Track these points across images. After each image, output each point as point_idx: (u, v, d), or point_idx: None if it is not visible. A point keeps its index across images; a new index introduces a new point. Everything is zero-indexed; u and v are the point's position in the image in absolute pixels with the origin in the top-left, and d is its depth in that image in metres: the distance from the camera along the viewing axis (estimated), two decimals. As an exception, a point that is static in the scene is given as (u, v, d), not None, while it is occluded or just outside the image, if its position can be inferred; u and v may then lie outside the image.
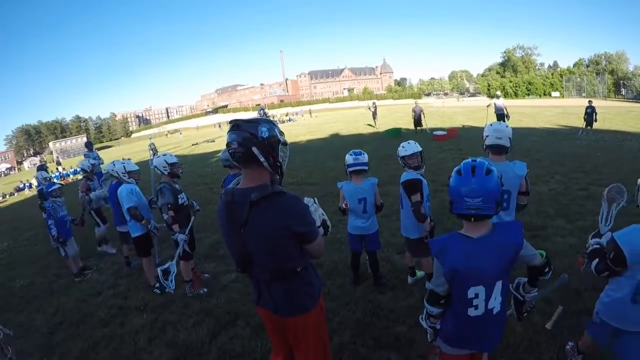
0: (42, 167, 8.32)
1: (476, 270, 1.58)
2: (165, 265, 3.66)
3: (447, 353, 1.82)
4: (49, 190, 5.24)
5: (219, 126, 51.71)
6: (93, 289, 4.73)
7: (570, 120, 17.02)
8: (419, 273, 3.83)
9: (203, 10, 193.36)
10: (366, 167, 3.57)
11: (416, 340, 2.91)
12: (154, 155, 21.57)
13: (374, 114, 21.18)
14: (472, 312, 1.64)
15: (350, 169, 3.56)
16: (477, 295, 1.61)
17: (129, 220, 4.36)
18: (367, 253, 3.82)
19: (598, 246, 2.15)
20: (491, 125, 2.89)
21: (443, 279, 1.65)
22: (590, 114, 13.56)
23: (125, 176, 4.46)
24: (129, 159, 5.37)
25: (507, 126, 2.86)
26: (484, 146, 2.90)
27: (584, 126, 13.62)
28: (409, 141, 3.49)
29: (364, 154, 3.58)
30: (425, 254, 3.50)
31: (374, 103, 22.35)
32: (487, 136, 2.84)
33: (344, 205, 3.63)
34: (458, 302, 1.67)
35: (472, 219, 1.59)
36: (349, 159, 3.56)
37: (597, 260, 2.04)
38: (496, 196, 1.56)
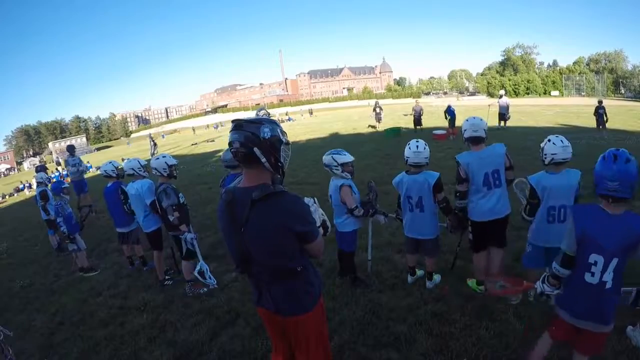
0: (42, 168, 8.27)
1: (600, 240, 1.83)
2: (198, 268, 3.66)
3: (561, 317, 2.04)
4: (61, 187, 5.29)
5: (194, 131, 52.75)
6: (93, 289, 4.73)
7: (570, 119, 17.03)
8: (419, 272, 3.84)
9: (202, 10, 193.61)
10: (326, 169, 3.69)
11: (416, 339, 2.92)
12: (154, 146, 21.12)
13: (378, 116, 19.65)
14: (588, 277, 1.87)
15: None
16: (595, 263, 1.84)
17: (146, 215, 4.38)
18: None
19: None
20: (467, 120, 3.30)
21: (574, 239, 1.90)
22: (601, 114, 13.28)
23: (141, 170, 4.47)
24: (128, 159, 5.36)
25: (481, 119, 3.27)
26: (464, 139, 3.28)
27: (598, 127, 13.27)
28: (418, 140, 3.48)
29: (333, 154, 3.65)
30: (437, 254, 3.65)
31: (377, 103, 20.83)
32: (465, 130, 3.24)
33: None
34: (579, 265, 1.91)
35: (610, 199, 1.82)
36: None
37: (524, 206, 3.04)
38: (632, 182, 1.77)
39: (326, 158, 3.66)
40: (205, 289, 4.13)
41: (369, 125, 21.31)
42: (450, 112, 13.87)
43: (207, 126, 58.47)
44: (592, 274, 1.86)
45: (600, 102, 13.99)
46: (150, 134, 27.09)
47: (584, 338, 2.01)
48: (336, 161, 3.61)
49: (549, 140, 2.93)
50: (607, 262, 1.83)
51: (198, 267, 3.66)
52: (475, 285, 3.51)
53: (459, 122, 14.75)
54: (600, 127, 13.29)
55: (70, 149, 10.17)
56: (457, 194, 3.31)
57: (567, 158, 2.86)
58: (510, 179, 3.27)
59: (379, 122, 19.64)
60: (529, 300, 3.20)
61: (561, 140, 2.88)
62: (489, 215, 3.22)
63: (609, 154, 1.85)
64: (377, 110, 19.72)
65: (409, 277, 3.82)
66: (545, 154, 2.91)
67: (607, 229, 1.82)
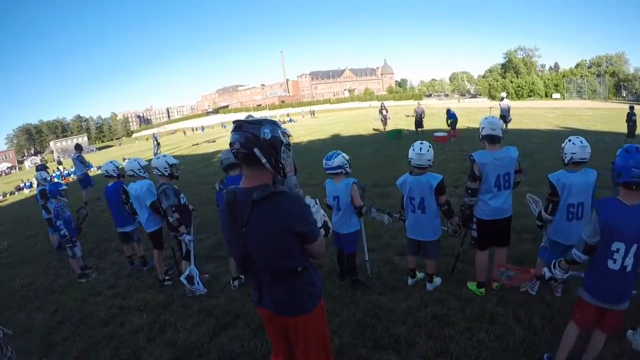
0: (42, 167, 8.28)
1: (621, 228, 2.02)
2: (186, 273, 3.67)
3: (587, 301, 2.26)
4: (59, 189, 5.16)
5: (184, 133, 53.85)
6: (93, 289, 4.73)
7: (571, 122, 17.05)
8: (419, 275, 3.83)
9: (204, 11, 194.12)
10: (339, 170, 3.68)
11: (416, 341, 2.91)
12: (157, 146, 21.28)
13: (385, 118, 18.73)
14: (610, 264, 2.08)
15: (326, 172, 3.77)
16: (617, 250, 2.05)
17: (148, 216, 4.40)
18: (344, 253, 3.87)
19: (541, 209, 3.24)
20: (486, 118, 3.36)
21: (598, 229, 2.07)
22: (635, 120, 12.07)
23: (141, 172, 4.49)
24: (129, 160, 5.38)
25: (499, 119, 3.38)
26: (480, 136, 3.33)
27: (632, 135, 11.94)
28: (422, 142, 3.49)
29: (335, 157, 3.69)
30: (438, 256, 3.67)
31: (382, 105, 19.80)
32: (483, 127, 3.29)
33: (324, 201, 3.79)
34: (601, 254, 2.11)
35: (634, 187, 2.00)
36: (323, 163, 3.75)
37: (543, 207, 3.15)
38: None
39: (338, 159, 3.66)
40: (205, 290, 4.12)
41: (374, 129, 20.97)
42: (451, 115, 13.91)
43: (195, 129, 59.16)
44: (614, 261, 2.07)
45: (631, 107, 12.71)
46: (153, 134, 27.43)
47: (607, 317, 2.25)
48: (346, 160, 3.69)
49: (569, 140, 3.05)
50: (628, 248, 2.03)
51: (187, 272, 3.66)
52: (475, 288, 3.50)
53: (460, 124, 14.82)
54: (631, 136, 11.86)
55: (78, 147, 10.84)
56: (469, 191, 3.36)
57: (585, 158, 2.98)
58: (516, 182, 3.39)
59: (385, 125, 18.94)
60: (528, 303, 3.20)
61: (581, 141, 3.00)
62: (496, 215, 3.32)
63: (631, 147, 2.06)
64: (384, 112, 19.04)
65: (409, 279, 3.81)
66: (565, 153, 3.03)
67: (627, 218, 2.02)
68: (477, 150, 3.33)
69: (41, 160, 30.43)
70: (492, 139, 3.25)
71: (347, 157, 3.72)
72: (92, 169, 25.61)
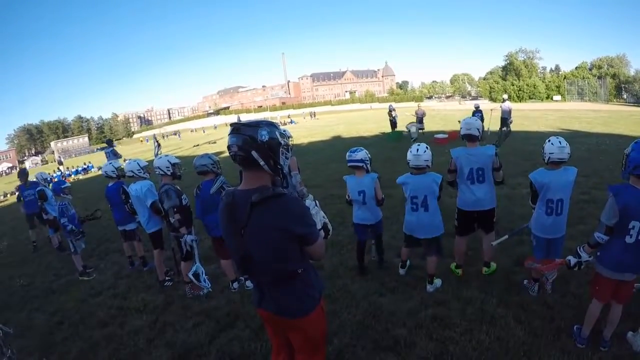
0: (24, 172, 8.48)
1: (637, 209, 2.31)
2: (193, 269, 3.70)
3: (602, 275, 2.54)
4: (62, 187, 5.24)
5: (163, 137, 51.90)
6: (93, 289, 4.73)
7: (571, 124, 17.02)
8: (408, 263, 4.05)
9: (205, 12, 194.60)
10: (362, 164, 3.80)
11: (416, 343, 2.91)
12: (158, 147, 21.55)
13: (394, 122, 17.45)
14: (627, 239, 2.38)
15: (348, 165, 3.88)
16: (633, 227, 2.34)
17: (149, 216, 4.40)
18: (374, 237, 4.09)
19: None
20: (464, 119, 3.66)
21: (617, 212, 2.36)
22: None
23: (141, 172, 4.50)
24: (129, 161, 5.39)
25: (476, 120, 3.65)
26: (461, 136, 3.64)
27: None
28: (420, 144, 3.59)
29: (358, 151, 3.83)
30: (441, 252, 3.76)
31: (390, 106, 18.19)
32: (462, 128, 3.61)
33: (347, 197, 3.94)
34: (619, 231, 2.40)
35: None
36: (347, 155, 3.89)
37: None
38: None
39: (362, 153, 3.80)
40: (205, 291, 4.12)
41: (381, 132, 20.11)
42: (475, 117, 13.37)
43: (168, 134, 59.38)
44: (631, 236, 2.36)
45: None
46: (154, 135, 27.55)
47: (621, 288, 2.53)
48: (369, 157, 3.84)
49: (549, 141, 3.17)
50: None
51: (193, 269, 3.67)
52: (454, 269, 3.89)
53: (458, 126, 14.74)
54: None
55: (109, 142, 13.22)
56: (449, 183, 3.75)
57: (563, 158, 3.09)
58: (498, 181, 3.62)
59: (395, 128, 17.61)
60: (528, 305, 3.19)
61: (559, 142, 3.10)
62: (473, 206, 3.60)
63: None
64: (393, 114, 17.59)
65: (400, 269, 4.02)
66: (545, 153, 3.16)
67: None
68: (458, 147, 3.67)
69: (41, 160, 30.53)
70: (470, 138, 3.55)
71: (369, 154, 3.87)
72: (92, 169, 25.77)
